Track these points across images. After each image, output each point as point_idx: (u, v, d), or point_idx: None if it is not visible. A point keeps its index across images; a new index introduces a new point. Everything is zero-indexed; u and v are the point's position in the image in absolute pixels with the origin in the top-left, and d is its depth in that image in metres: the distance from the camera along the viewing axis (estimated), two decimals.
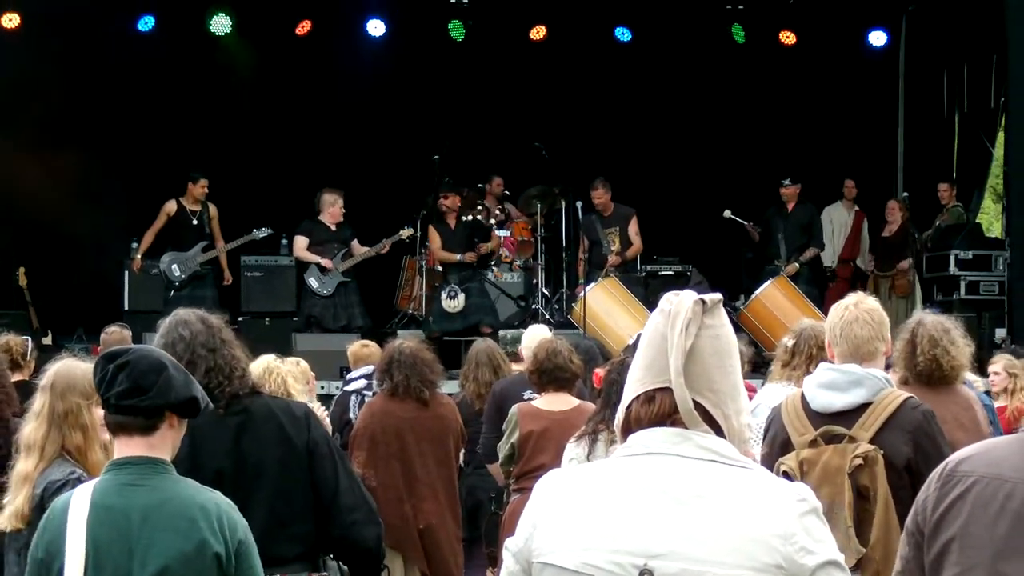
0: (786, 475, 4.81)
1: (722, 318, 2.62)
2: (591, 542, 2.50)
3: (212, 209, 14.59)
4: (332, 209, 14.31)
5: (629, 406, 2.62)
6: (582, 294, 13.93)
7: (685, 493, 2.49)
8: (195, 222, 14.45)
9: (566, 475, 2.64)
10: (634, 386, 2.62)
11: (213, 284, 14.52)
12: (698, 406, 2.56)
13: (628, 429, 2.61)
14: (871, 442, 4.71)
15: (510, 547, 2.63)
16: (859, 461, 4.68)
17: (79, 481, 4.32)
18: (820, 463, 4.76)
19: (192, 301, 13.36)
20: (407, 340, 8.29)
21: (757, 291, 14.36)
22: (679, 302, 2.60)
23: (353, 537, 4.83)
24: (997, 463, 2.50)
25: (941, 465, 2.62)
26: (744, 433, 2.61)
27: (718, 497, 2.48)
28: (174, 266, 14.26)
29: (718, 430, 2.57)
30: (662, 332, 2.58)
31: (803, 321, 6.92)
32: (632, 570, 2.46)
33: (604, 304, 13.84)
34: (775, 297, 14.23)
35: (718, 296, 2.63)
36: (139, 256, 14.52)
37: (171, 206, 14.44)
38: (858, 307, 5.05)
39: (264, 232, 14.50)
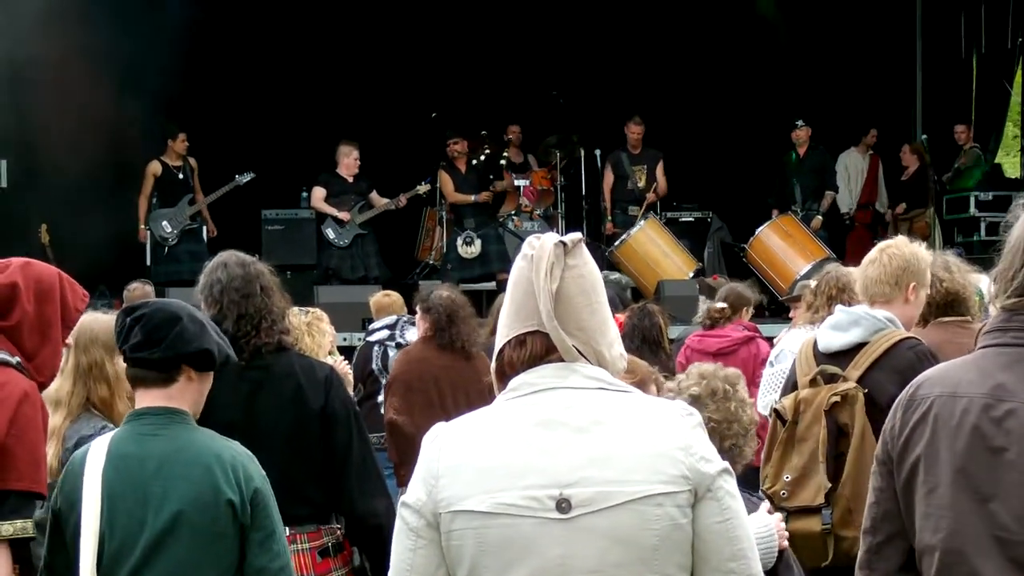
0: (777, 413, 4.88)
1: (584, 257, 2.67)
2: (502, 483, 2.54)
3: (193, 162, 14.56)
4: (347, 160, 14.28)
5: (501, 351, 2.67)
6: (626, 236, 14.26)
7: (584, 421, 2.56)
8: (181, 176, 14.40)
9: (457, 425, 2.67)
10: (504, 331, 2.68)
11: (204, 238, 14.44)
12: None
13: (503, 374, 2.67)
14: (859, 381, 4.73)
15: (410, 503, 2.62)
16: (836, 399, 4.71)
17: None
18: (815, 402, 4.80)
19: (191, 256, 13.36)
20: (450, 291, 8.14)
21: (758, 230, 14.39)
22: (541, 246, 2.64)
23: (361, 511, 4.70)
24: (952, 383, 2.57)
25: (903, 392, 2.69)
26: (619, 363, 2.68)
27: (615, 420, 2.57)
28: (163, 223, 14.22)
29: None
30: (527, 277, 2.63)
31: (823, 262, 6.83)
32: (549, 502, 2.52)
33: (651, 243, 14.04)
34: (773, 237, 14.23)
35: (578, 236, 2.69)
36: (142, 226, 14.38)
37: (155, 166, 14.36)
38: (884, 249, 5.03)
39: (247, 177, 14.35)
